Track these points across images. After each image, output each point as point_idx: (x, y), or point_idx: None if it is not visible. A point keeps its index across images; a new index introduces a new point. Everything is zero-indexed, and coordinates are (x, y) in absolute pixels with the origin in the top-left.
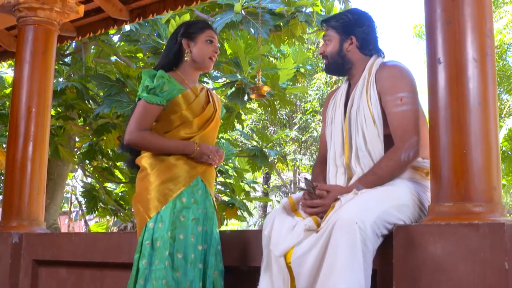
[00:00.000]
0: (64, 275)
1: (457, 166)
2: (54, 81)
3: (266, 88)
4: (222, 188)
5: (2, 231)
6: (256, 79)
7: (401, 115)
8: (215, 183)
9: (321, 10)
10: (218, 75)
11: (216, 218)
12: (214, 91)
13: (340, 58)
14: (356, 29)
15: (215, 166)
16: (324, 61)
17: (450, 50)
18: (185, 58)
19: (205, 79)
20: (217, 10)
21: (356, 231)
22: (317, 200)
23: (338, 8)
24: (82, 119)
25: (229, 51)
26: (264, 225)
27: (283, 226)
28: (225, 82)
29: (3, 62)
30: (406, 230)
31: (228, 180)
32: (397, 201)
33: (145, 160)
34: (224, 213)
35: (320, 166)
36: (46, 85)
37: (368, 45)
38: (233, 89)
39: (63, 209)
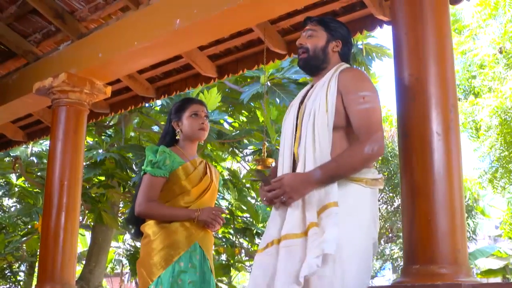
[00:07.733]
0: None
1: (423, 232)
2: (94, 152)
3: (270, 160)
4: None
5: None
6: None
7: (365, 111)
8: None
9: None
10: (247, 143)
11: (213, 281)
12: (212, 165)
13: (322, 54)
14: (343, 36)
15: (215, 231)
16: (302, 53)
17: (415, 125)
18: (177, 137)
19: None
20: (248, 80)
21: None
22: (274, 183)
23: None
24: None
25: (261, 119)
26: None
27: None
28: (254, 150)
29: (45, 137)
30: None
31: None
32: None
33: (148, 227)
34: None
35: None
36: (77, 160)
37: (347, 55)
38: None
39: (115, 271)
